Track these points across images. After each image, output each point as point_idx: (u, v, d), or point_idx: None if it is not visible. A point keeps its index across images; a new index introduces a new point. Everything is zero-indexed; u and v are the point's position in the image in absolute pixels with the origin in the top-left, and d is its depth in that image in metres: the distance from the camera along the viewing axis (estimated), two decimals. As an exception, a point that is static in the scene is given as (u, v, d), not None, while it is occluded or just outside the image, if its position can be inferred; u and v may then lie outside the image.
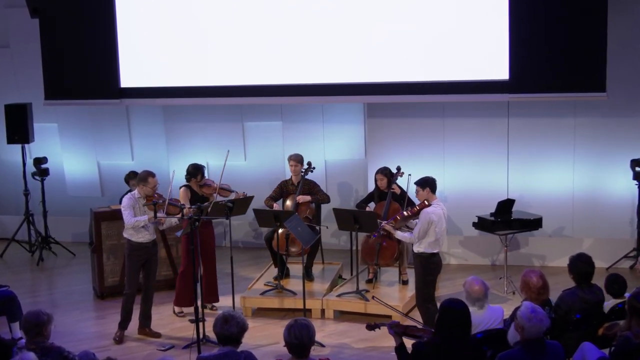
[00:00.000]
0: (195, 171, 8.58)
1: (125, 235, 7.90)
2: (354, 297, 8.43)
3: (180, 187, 8.57)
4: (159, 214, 7.74)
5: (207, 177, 8.88)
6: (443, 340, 5.06)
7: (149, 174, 7.81)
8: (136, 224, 7.72)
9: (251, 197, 8.72)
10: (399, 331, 5.58)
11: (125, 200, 7.86)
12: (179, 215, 7.80)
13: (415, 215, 7.49)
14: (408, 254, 8.97)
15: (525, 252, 10.15)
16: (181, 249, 8.70)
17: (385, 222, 7.83)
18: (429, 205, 7.37)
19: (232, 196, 8.57)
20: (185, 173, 8.64)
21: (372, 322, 5.92)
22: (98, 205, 10.13)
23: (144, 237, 7.82)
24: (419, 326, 5.88)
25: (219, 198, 8.46)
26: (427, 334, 5.56)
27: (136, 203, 7.82)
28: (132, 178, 9.67)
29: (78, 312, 8.89)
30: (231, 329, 4.85)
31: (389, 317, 8.16)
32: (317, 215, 9.23)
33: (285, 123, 11.02)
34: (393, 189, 8.85)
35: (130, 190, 9.52)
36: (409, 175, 8.31)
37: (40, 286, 10.13)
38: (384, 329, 5.76)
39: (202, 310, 7.71)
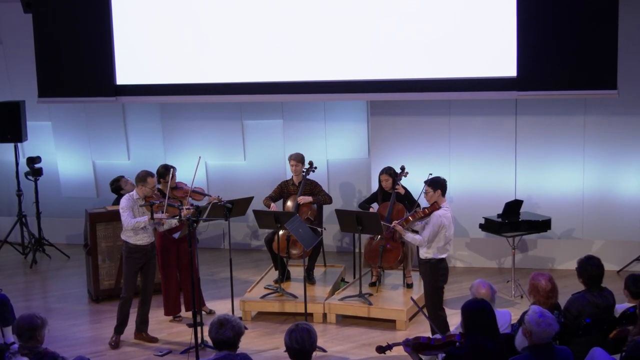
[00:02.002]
0: (165, 171, 8.38)
1: (123, 237, 7.90)
2: (356, 301, 8.43)
3: None
4: (159, 215, 7.74)
5: (179, 180, 8.69)
6: (479, 343, 5.04)
7: (148, 174, 7.81)
8: (136, 225, 7.72)
9: (250, 198, 8.74)
10: (418, 347, 5.42)
11: (123, 201, 7.86)
12: (178, 217, 7.81)
13: (426, 216, 7.42)
14: (413, 256, 8.98)
15: (534, 254, 10.15)
16: (158, 258, 8.41)
17: (397, 222, 7.65)
18: (440, 208, 7.32)
19: (205, 200, 8.51)
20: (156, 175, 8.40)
21: (384, 344, 5.69)
22: (93, 206, 10.16)
23: (143, 239, 7.83)
24: (439, 336, 5.67)
25: (192, 202, 8.48)
26: (453, 338, 5.45)
27: (135, 204, 7.82)
28: (119, 181, 9.72)
29: (72, 316, 8.90)
30: (227, 333, 4.86)
31: (393, 321, 8.20)
32: (319, 216, 9.24)
33: (286, 121, 11.03)
34: (397, 189, 8.86)
35: (122, 194, 9.50)
36: (430, 174, 7.75)
37: (33, 289, 10.14)
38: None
39: (200, 314, 7.71)
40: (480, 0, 9.19)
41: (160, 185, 8.38)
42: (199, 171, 8.70)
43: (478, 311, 5.12)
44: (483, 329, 5.07)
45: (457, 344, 5.32)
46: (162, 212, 7.76)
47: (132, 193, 7.90)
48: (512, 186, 10.02)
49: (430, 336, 5.68)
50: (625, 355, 5.38)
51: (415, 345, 5.46)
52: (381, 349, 5.65)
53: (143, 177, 7.80)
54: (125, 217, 7.74)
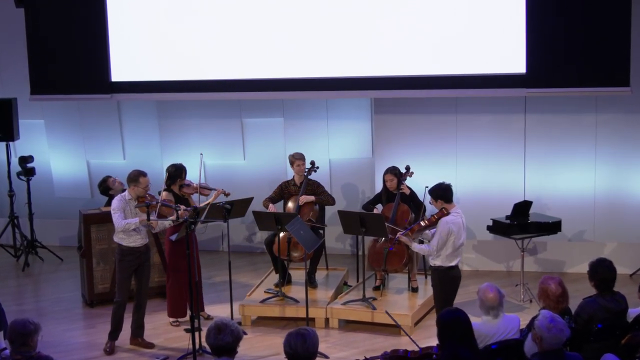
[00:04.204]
0: (179, 172, 8.47)
1: (115, 239, 7.89)
2: (360, 305, 8.42)
3: (162, 191, 8.48)
4: (151, 216, 7.73)
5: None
6: (455, 353, 5.05)
7: (140, 174, 7.80)
8: (127, 227, 7.71)
9: (250, 199, 8.74)
10: None
11: (115, 202, 7.86)
12: (173, 217, 7.80)
13: (433, 224, 7.36)
14: (418, 259, 8.97)
15: (543, 257, 10.14)
16: (167, 260, 8.56)
17: (401, 233, 7.58)
18: (448, 213, 7.28)
19: (212, 194, 8.60)
20: (166, 175, 8.48)
21: (362, 358, 5.69)
22: (87, 207, 10.15)
23: (136, 241, 7.82)
24: (416, 348, 5.73)
25: (201, 198, 8.51)
26: (431, 351, 5.49)
27: (127, 205, 7.81)
28: (106, 182, 9.75)
29: (66, 321, 8.91)
30: (225, 339, 4.85)
31: (398, 326, 8.18)
32: (321, 217, 9.23)
33: (287, 120, 11.02)
34: (402, 189, 8.85)
35: (111, 194, 9.48)
36: (426, 187, 7.75)
37: (26, 293, 10.15)
38: None
39: (199, 319, 7.71)
40: (488, -6, 9.20)
41: (176, 185, 8.43)
42: (198, 171, 8.71)
43: (452, 321, 5.14)
44: (458, 339, 5.08)
45: (434, 356, 5.36)
46: (156, 213, 7.74)
47: (124, 194, 7.89)
48: (521, 187, 10.01)
49: (408, 349, 5.72)
50: (639, 362, 5.38)
51: (392, 359, 5.49)
52: None
53: (135, 177, 7.79)
54: (116, 218, 7.74)
